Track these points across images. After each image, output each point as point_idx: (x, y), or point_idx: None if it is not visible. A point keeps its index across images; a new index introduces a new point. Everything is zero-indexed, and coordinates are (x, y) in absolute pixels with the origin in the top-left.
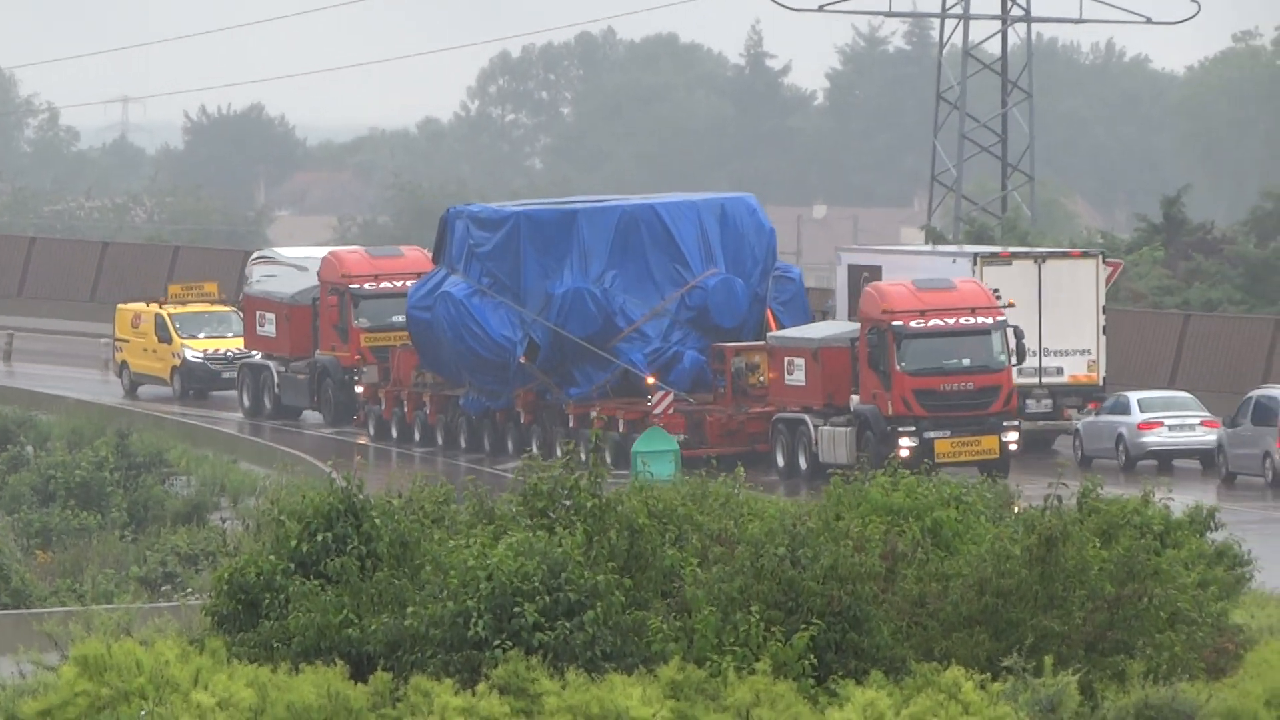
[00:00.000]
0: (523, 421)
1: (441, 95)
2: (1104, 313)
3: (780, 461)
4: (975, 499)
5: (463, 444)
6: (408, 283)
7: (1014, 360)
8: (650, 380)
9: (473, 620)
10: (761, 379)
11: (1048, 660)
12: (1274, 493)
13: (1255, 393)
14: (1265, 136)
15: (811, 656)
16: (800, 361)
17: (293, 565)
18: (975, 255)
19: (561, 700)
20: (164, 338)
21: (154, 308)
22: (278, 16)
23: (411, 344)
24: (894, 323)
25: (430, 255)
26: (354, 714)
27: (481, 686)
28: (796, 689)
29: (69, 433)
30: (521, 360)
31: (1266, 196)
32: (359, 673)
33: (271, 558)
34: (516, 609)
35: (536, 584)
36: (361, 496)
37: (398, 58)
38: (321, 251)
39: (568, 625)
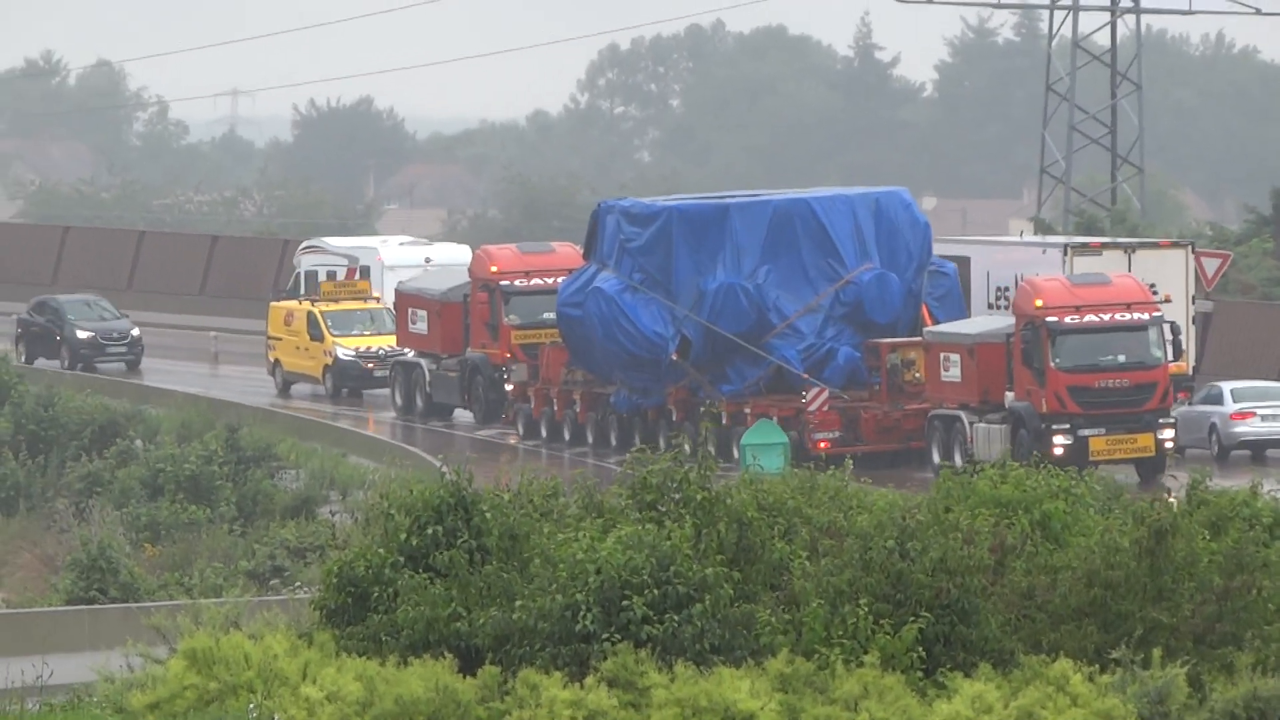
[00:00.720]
0: (675, 419)
1: (551, 88)
2: (1194, 303)
3: (936, 458)
4: (1084, 491)
5: (613, 442)
6: (558, 279)
7: (1170, 356)
8: (805, 375)
9: (581, 613)
10: (917, 375)
11: (1156, 652)
12: None
13: None
14: None
15: (920, 649)
16: (956, 357)
17: (402, 559)
18: (1065, 245)
19: (670, 693)
20: (316, 335)
21: (306, 305)
22: (387, 10)
23: (562, 341)
24: (1048, 318)
25: (580, 251)
26: (462, 707)
27: (590, 680)
28: (905, 681)
29: (178, 426)
30: (674, 357)
31: None
32: (467, 666)
33: (380, 551)
34: (625, 602)
35: (645, 577)
36: (471, 490)
37: (507, 50)
38: (374, 241)
39: (676, 618)
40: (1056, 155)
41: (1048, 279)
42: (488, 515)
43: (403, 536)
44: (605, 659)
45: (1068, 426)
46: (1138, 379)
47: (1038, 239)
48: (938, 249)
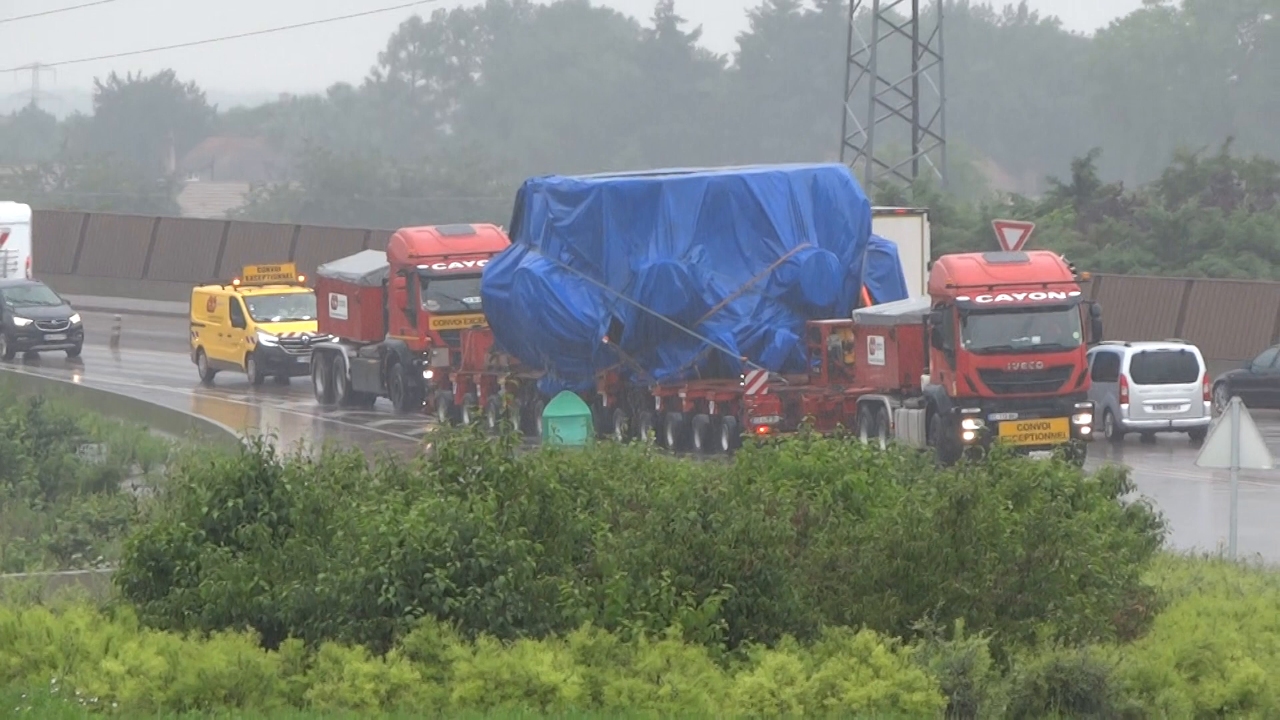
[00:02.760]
0: (605, 405)
1: (352, 61)
2: (929, 269)
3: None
4: (886, 462)
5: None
6: (479, 263)
7: (1089, 338)
8: (744, 359)
9: (384, 586)
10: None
11: (958, 623)
12: (1115, 448)
13: (1095, 348)
14: (1175, 99)
15: (722, 621)
16: (880, 340)
17: (204, 532)
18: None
19: (472, 666)
20: (238, 321)
21: (229, 290)
22: None
23: (487, 324)
24: (959, 298)
25: (504, 232)
26: (264, 681)
27: (392, 653)
28: (707, 653)
29: None
30: (604, 340)
31: (1177, 159)
32: (270, 639)
33: (182, 525)
34: (428, 575)
35: (448, 550)
36: (272, 462)
37: (308, 23)
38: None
39: (479, 591)
40: (858, 127)
41: (962, 257)
42: (289, 488)
43: (204, 510)
44: (408, 632)
45: (978, 410)
46: (1052, 361)
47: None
48: None
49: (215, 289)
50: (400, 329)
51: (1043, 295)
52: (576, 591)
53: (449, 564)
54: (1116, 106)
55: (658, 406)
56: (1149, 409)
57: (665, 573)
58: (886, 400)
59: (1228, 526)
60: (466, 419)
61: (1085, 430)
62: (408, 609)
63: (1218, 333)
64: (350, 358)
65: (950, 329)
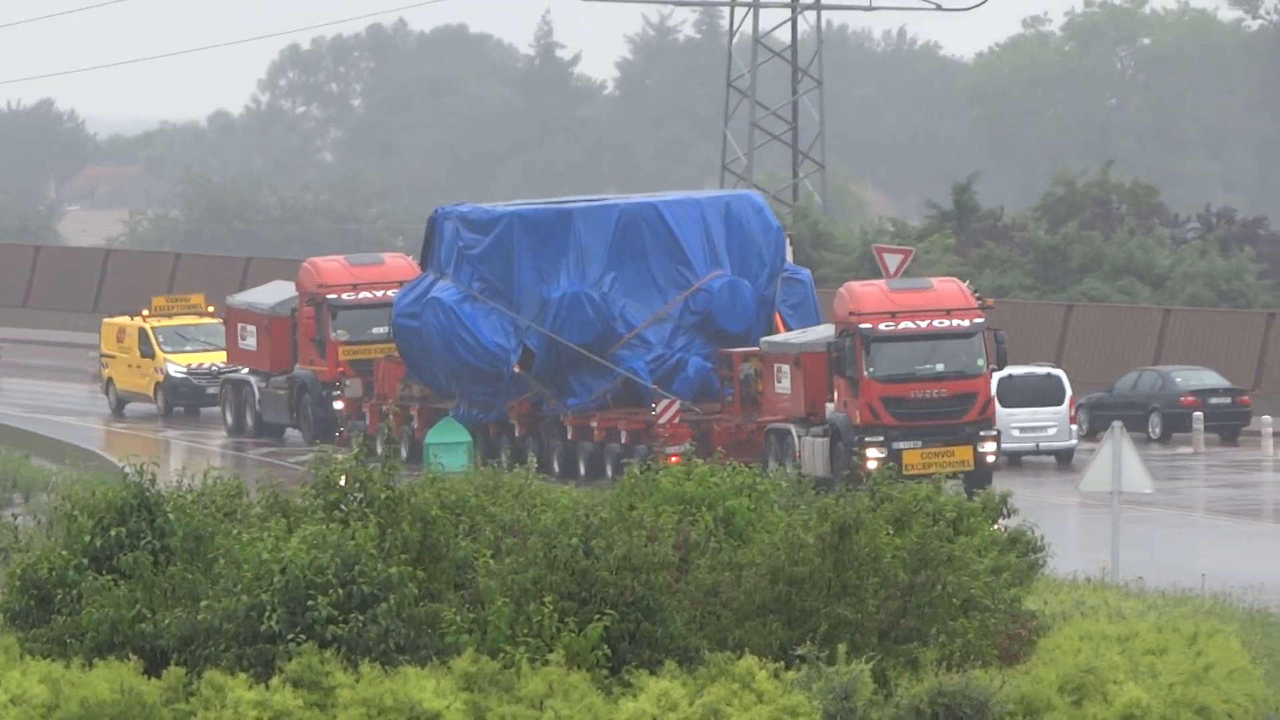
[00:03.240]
0: (517, 434)
1: (232, 88)
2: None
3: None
4: (768, 487)
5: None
6: (389, 292)
7: (995, 366)
8: (654, 387)
9: (266, 614)
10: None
11: (841, 648)
12: None
13: None
14: (1055, 123)
15: (605, 647)
16: (786, 368)
17: (86, 560)
18: None
19: (355, 693)
20: (147, 352)
21: (138, 321)
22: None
23: (398, 354)
24: (861, 325)
25: (415, 262)
26: (148, 709)
27: (275, 680)
28: (590, 679)
29: None
30: (516, 369)
31: (1057, 182)
32: (153, 667)
33: (64, 553)
34: (310, 602)
35: (330, 577)
36: (154, 490)
37: (188, 51)
38: None
39: (361, 618)
40: (738, 152)
41: (865, 284)
42: (171, 516)
43: (86, 538)
44: (290, 659)
45: (881, 439)
46: (956, 389)
47: None
48: None
49: (124, 320)
50: (309, 359)
51: (947, 322)
52: (459, 618)
53: (331, 591)
54: (996, 131)
55: (570, 436)
56: (1016, 432)
57: (547, 599)
58: (793, 429)
59: (1107, 551)
60: (380, 449)
61: (990, 458)
62: (290, 636)
63: (1099, 357)
64: (259, 389)
65: (853, 356)
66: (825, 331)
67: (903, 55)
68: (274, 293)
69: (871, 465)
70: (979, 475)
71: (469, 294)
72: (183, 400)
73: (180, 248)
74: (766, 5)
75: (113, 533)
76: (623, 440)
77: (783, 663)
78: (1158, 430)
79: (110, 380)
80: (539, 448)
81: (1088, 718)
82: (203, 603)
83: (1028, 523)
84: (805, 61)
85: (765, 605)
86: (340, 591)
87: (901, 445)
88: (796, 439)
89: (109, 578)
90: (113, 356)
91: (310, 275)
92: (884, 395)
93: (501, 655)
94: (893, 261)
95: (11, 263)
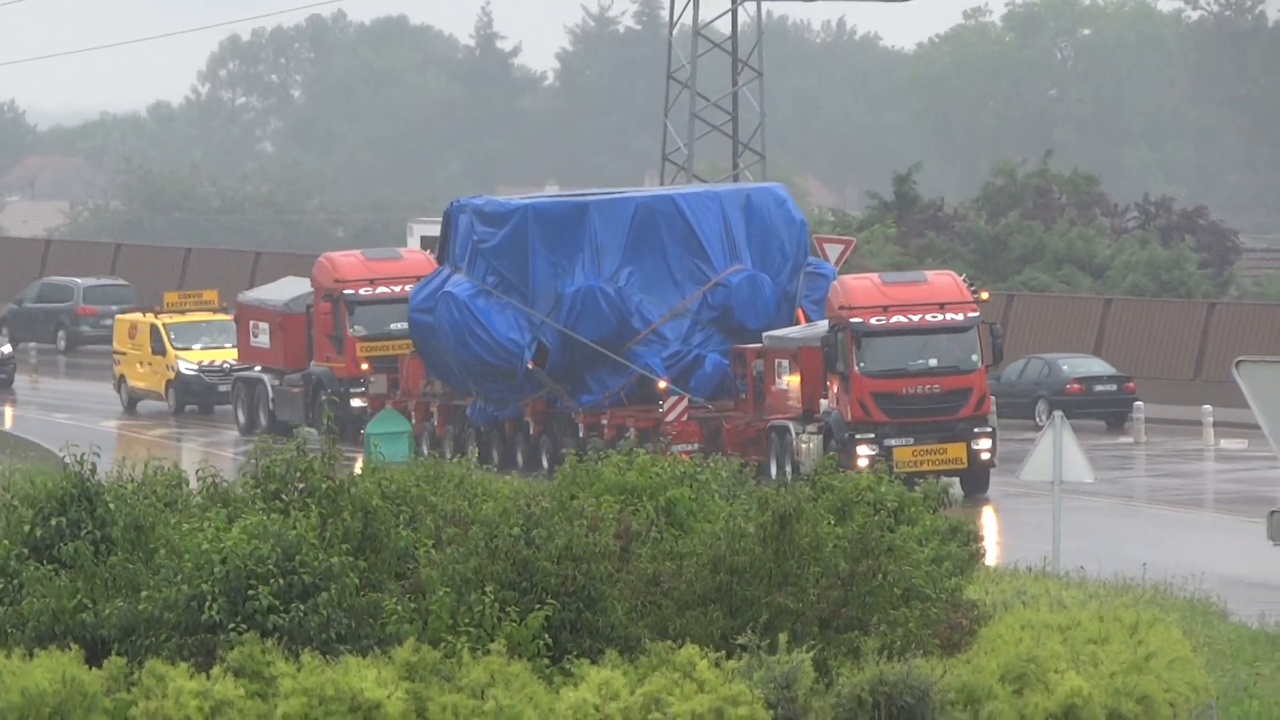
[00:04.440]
0: (532, 432)
1: (172, 79)
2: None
3: (774, 473)
4: (709, 477)
5: (471, 458)
6: (406, 287)
7: (989, 360)
8: (662, 385)
9: (207, 603)
10: None
11: (782, 637)
12: None
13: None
14: (995, 113)
15: (546, 636)
16: (786, 364)
17: (26, 550)
18: None
19: (297, 683)
20: (158, 349)
21: (149, 317)
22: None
23: (414, 350)
24: (853, 320)
25: (430, 256)
26: (89, 699)
27: (216, 670)
28: (531, 669)
29: None
30: (529, 366)
31: (998, 173)
32: (94, 657)
33: (4, 543)
34: (251, 592)
35: (271, 567)
36: (95, 480)
37: (128, 41)
38: None
39: (302, 608)
40: (679, 143)
41: (858, 277)
42: (111, 506)
43: (26, 528)
44: (231, 649)
45: (872, 436)
46: (949, 385)
47: None
48: (420, 230)
49: (136, 316)
50: (325, 356)
51: (940, 316)
52: (400, 608)
53: (272, 581)
54: (937, 121)
55: (581, 433)
56: None
57: (488, 589)
58: (791, 426)
59: (1049, 541)
60: (425, 449)
61: (985, 456)
62: (231, 626)
63: (1039, 346)
64: (273, 386)
65: (844, 352)
66: (818, 327)
67: (842, 46)
68: (286, 289)
69: (863, 463)
70: (974, 474)
71: (483, 288)
72: (194, 398)
73: (120, 238)
74: None
75: (53, 522)
76: (631, 437)
77: (724, 652)
78: (1044, 417)
79: (122, 377)
80: (552, 445)
81: (1029, 706)
82: (143, 592)
83: (969, 512)
84: (745, 52)
85: (706, 595)
86: (281, 581)
87: (893, 442)
88: (795, 436)
89: (49, 567)
90: (124, 353)
91: (326, 270)
92: (875, 391)
93: (443, 645)
94: (833, 251)
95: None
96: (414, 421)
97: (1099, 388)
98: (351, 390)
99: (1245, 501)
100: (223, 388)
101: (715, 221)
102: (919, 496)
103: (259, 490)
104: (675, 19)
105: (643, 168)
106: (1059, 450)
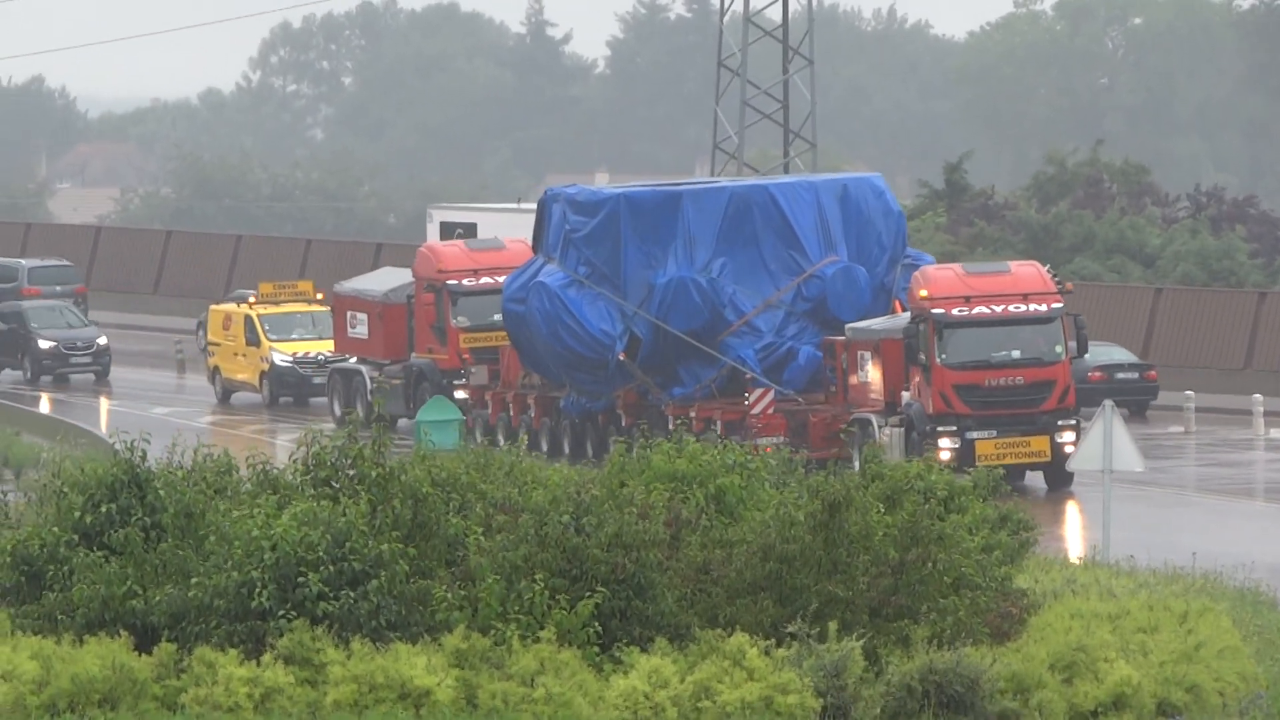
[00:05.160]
0: (624, 424)
1: (223, 66)
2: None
3: (857, 467)
4: (759, 465)
5: (566, 450)
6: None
7: (1074, 353)
8: (749, 376)
9: (257, 590)
10: None
11: (832, 626)
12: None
13: None
14: (1046, 102)
15: (596, 624)
16: (868, 356)
17: (76, 537)
18: None
19: (346, 670)
20: (252, 340)
21: (244, 308)
22: None
23: (509, 340)
24: (934, 310)
25: (526, 243)
26: (138, 685)
27: (266, 656)
28: (581, 656)
29: None
30: (621, 357)
31: (1049, 162)
32: (144, 644)
33: (55, 529)
34: (301, 579)
35: (321, 554)
36: (145, 467)
37: (179, 28)
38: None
39: (352, 595)
40: (729, 131)
41: (940, 268)
42: (161, 492)
43: (77, 514)
44: (281, 636)
45: (954, 429)
46: (1033, 376)
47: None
48: (440, 215)
49: (230, 307)
50: (427, 347)
51: (1023, 307)
52: (450, 595)
53: (322, 568)
54: (988, 110)
55: (670, 426)
56: None
57: (538, 576)
58: (874, 419)
59: (1099, 529)
60: (502, 440)
61: (1069, 449)
62: (281, 613)
63: (1091, 336)
64: (371, 378)
65: (926, 343)
66: (902, 319)
67: (893, 34)
68: (385, 279)
69: (945, 456)
70: (1058, 467)
71: (575, 278)
72: (288, 390)
73: (171, 225)
74: None
75: (103, 509)
76: (718, 431)
77: (773, 640)
78: None
79: (216, 369)
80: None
81: (1078, 695)
82: (193, 579)
83: (1019, 501)
84: (796, 40)
85: (756, 583)
86: (331, 568)
87: (975, 435)
88: (877, 429)
89: (100, 554)
90: (218, 344)
91: (429, 261)
92: (957, 383)
93: (493, 632)
94: None
95: (2, 240)
96: (512, 414)
97: (1120, 375)
98: (454, 381)
99: None
100: (317, 379)
101: (810, 212)
102: (969, 485)
103: (309, 477)
104: (726, 6)
105: (693, 156)
106: (1109, 439)
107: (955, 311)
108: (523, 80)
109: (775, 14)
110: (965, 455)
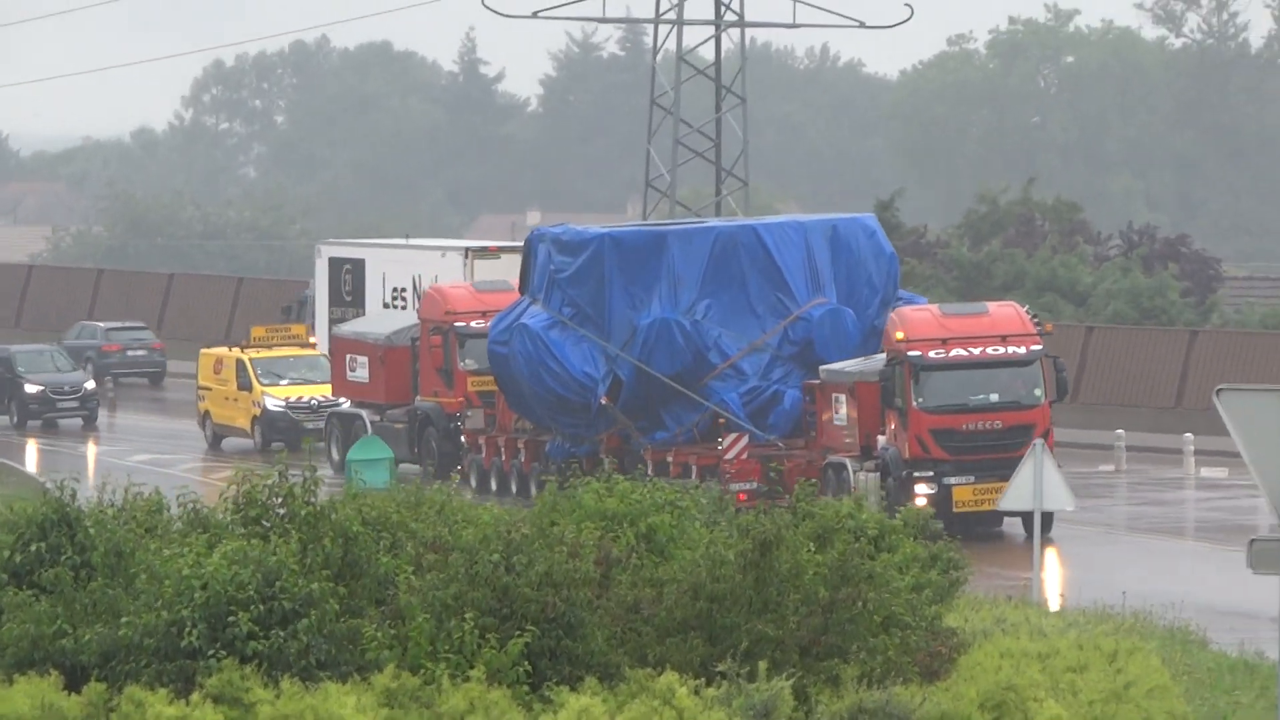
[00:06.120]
0: (608, 469)
1: (156, 104)
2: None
3: None
4: (689, 504)
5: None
6: None
7: (1053, 395)
8: (722, 421)
9: (187, 629)
10: None
11: (762, 665)
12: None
13: None
14: (979, 140)
15: (526, 663)
16: (842, 399)
17: (6, 576)
18: (466, 250)
19: (276, 709)
20: (244, 384)
21: (235, 352)
22: None
23: (496, 384)
24: (910, 353)
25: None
26: None
27: (195, 696)
28: (511, 695)
29: None
30: (603, 400)
31: (980, 200)
32: (74, 683)
33: None
34: (231, 618)
35: (251, 592)
36: (75, 506)
37: (111, 67)
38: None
39: (282, 634)
40: (661, 169)
41: (916, 309)
42: (92, 531)
43: (6, 554)
44: (211, 675)
45: (931, 474)
46: (1011, 420)
47: (440, 242)
48: (329, 251)
49: (222, 350)
50: (433, 390)
51: (1002, 349)
52: (380, 634)
53: (252, 607)
54: (920, 148)
55: (650, 471)
56: None
57: (468, 615)
58: (849, 463)
59: (1029, 569)
60: (494, 485)
61: None
62: (210, 652)
63: None
64: (372, 422)
65: (902, 386)
66: (878, 360)
67: (826, 72)
68: (385, 322)
69: (921, 502)
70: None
71: (558, 320)
72: (280, 435)
73: (103, 264)
74: (690, 23)
75: (33, 548)
76: (694, 476)
77: (703, 679)
78: None
79: (206, 414)
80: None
81: None
82: (123, 618)
83: (949, 540)
84: (729, 79)
85: (686, 622)
86: (261, 607)
87: (953, 481)
88: (852, 474)
89: (29, 593)
90: (209, 389)
91: (436, 303)
92: (934, 427)
93: (422, 671)
94: None
95: None
96: (504, 458)
97: None
98: (457, 425)
99: (1226, 530)
100: (310, 425)
101: (798, 253)
102: (899, 524)
103: (240, 516)
104: (659, 45)
105: (626, 194)
106: (1040, 478)
107: (932, 354)
108: (456, 118)
109: (708, 52)
110: (942, 501)
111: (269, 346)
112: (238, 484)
